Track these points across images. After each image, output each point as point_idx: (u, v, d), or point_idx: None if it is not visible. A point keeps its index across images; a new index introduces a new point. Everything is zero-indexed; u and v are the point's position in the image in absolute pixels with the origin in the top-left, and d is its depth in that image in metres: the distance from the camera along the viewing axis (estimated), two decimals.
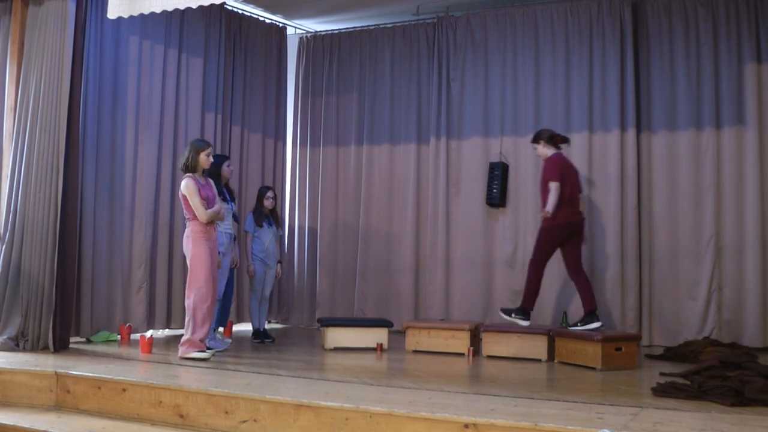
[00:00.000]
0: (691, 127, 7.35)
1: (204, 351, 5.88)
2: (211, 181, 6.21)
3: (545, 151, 6.75)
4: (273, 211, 7.35)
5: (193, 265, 5.92)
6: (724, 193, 7.20)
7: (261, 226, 7.16)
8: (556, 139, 6.77)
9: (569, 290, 7.61)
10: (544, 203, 6.56)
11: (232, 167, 6.91)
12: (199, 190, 5.92)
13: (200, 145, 6.07)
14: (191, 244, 5.94)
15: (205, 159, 6.03)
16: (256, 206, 7.29)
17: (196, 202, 5.89)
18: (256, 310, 7.24)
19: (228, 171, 6.86)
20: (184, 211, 6.01)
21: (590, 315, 6.41)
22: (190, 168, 6.01)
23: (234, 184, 8.27)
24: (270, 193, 7.29)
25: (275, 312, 8.98)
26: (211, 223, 5.99)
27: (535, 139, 6.86)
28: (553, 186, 6.48)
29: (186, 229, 6.03)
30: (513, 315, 6.58)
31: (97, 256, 6.98)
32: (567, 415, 3.94)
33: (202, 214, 5.89)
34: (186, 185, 5.93)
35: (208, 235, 5.96)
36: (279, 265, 7.39)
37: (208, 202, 5.97)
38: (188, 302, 5.93)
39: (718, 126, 7.26)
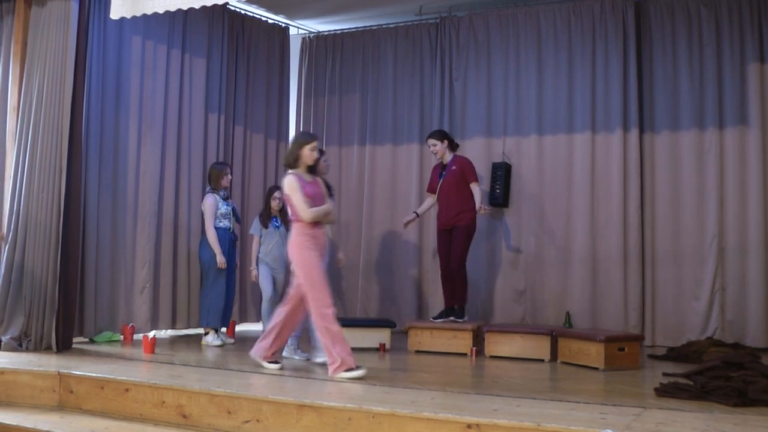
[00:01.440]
0: (694, 127, 7.35)
1: (355, 369, 5.14)
2: (320, 180, 5.62)
3: (446, 151, 7.07)
4: (282, 211, 6.81)
5: (308, 278, 5.24)
6: (727, 194, 7.19)
7: (266, 227, 6.84)
8: (452, 141, 7.19)
9: (571, 291, 7.62)
10: (453, 201, 6.96)
11: (329, 161, 6.29)
12: (302, 187, 5.32)
13: (303, 138, 5.48)
14: (298, 251, 5.30)
15: (308, 154, 5.38)
16: (264, 207, 7.02)
17: (298, 199, 5.27)
18: (266, 313, 6.81)
19: (324, 166, 6.24)
20: (290, 213, 5.45)
21: (450, 311, 6.96)
22: (292, 164, 5.42)
23: (236, 185, 8.27)
24: (278, 194, 6.82)
25: None
26: (318, 225, 5.38)
27: (440, 137, 7.13)
28: (479, 187, 7.05)
29: (291, 235, 5.43)
30: (453, 317, 6.87)
31: (100, 257, 6.98)
32: (570, 416, 3.93)
33: (305, 212, 5.25)
34: (287, 182, 5.34)
35: (316, 240, 5.33)
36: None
37: (313, 200, 5.34)
38: (317, 326, 5.25)
39: (721, 126, 7.25)
